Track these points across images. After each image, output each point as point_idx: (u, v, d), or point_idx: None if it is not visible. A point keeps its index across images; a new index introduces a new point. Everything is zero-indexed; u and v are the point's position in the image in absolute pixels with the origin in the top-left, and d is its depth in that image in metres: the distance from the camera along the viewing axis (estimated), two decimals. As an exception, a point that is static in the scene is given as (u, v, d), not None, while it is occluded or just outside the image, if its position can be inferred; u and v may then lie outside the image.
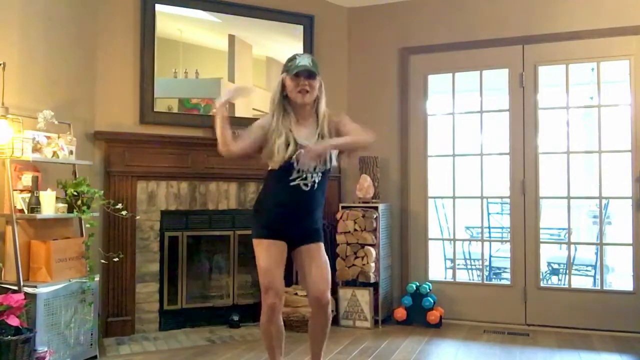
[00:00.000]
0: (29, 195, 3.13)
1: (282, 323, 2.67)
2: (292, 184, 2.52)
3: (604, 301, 4.10)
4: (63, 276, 3.18)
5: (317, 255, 2.58)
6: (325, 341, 2.67)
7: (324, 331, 2.63)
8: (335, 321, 4.25)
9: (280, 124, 2.53)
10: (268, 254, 2.55)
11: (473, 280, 5.18)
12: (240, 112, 4.38)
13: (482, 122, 4.52)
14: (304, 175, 2.52)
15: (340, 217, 4.27)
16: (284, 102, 2.57)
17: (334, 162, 2.60)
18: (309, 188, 2.53)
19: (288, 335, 3.90)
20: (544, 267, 4.80)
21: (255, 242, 2.60)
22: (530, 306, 4.27)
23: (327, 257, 2.62)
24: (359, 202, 4.37)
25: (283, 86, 2.56)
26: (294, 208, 2.56)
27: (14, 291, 2.91)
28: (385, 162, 4.63)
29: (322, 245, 2.62)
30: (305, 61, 2.51)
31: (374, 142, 2.64)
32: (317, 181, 2.54)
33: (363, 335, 4.02)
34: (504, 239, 5.45)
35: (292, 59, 2.55)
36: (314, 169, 2.52)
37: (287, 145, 2.49)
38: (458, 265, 4.88)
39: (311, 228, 2.61)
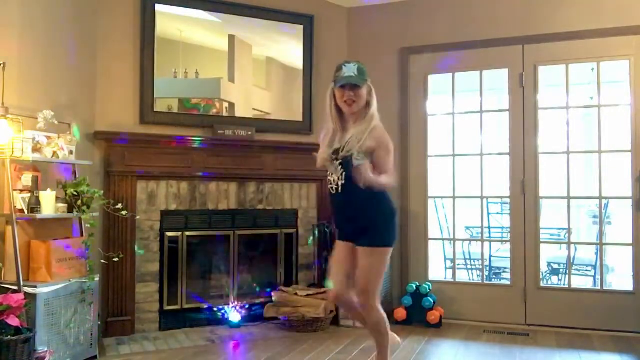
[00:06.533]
0: (29, 195, 3.13)
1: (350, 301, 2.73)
2: (328, 186, 2.66)
3: (604, 301, 4.10)
4: (63, 276, 3.18)
5: (359, 259, 2.62)
6: (376, 337, 2.73)
7: (371, 330, 2.74)
8: (335, 321, 4.26)
9: (331, 132, 2.67)
10: (335, 255, 2.76)
11: (473, 280, 5.18)
12: (240, 112, 4.39)
13: (482, 122, 4.52)
14: (331, 180, 2.62)
15: (340, 217, 4.26)
16: (337, 110, 2.67)
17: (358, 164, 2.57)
18: (334, 192, 2.62)
19: (288, 336, 3.94)
20: (544, 267, 4.80)
21: None
22: (530, 306, 4.27)
23: (371, 261, 2.58)
24: (359, 202, 4.36)
25: (335, 95, 2.66)
26: (334, 210, 2.73)
27: (14, 291, 2.91)
28: (385, 162, 4.62)
29: (366, 249, 2.59)
30: (349, 71, 2.58)
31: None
32: (340, 184, 2.58)
33: (363, 335, 4.00)
34: (504, 239, 5.45)
35: (339, 69, 2.63)
36: (339, 173, 2.59)
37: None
38: (458, 265, 4.88)
39: (357, 228, 2.62)
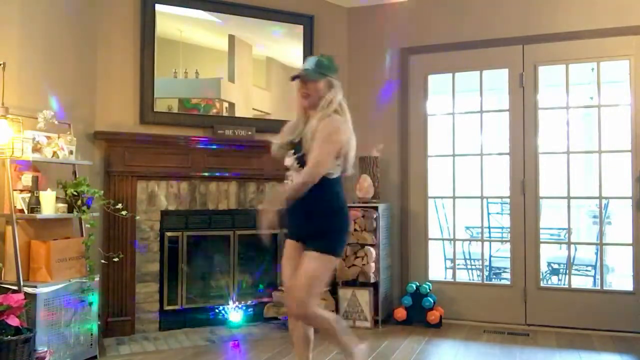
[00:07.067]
0: (29, 195, 3.13)
1: (305, 330, 2.60)
2: (285, 182, 2.52)
3: (604, 301, 4.10)
4: (63, 276, 3.18)
5: (302, 263, 2.45)
6: (335, 341, 2.60)
7: (326, 337, 2.63)
8: (335, 321, 4.25)
9: (293, 126, 2.57)
10: (284, 252, 2.62)
11: (473, 280, 5.18)
12: (240, 112, 4.39)
13: (482, 122, 4.52)
14: (289, 174, 2.50)
15: (340, 217, 4.26)
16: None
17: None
18: None
19: (288, 336, 3.93)
20: (544, 267, 4.80)
21: None
22: (530, 306, 4.27)
23: (311, 266, 2.41)
24: (359, 202, 4.37)
25: None
26: (288, 207, 2.50)
27: (14, 291, 2.92)
28: (385, 162, 4.63)
29: (311, 253, 2.43)
30: (306, 64, 2.53)
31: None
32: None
33: (363, 335, 4.01)
34: (504, 239, 5.45)
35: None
36: (295, 167, 2.47)
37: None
38: (458, 265, 4.88)
39: (306, 230, 2.50)
